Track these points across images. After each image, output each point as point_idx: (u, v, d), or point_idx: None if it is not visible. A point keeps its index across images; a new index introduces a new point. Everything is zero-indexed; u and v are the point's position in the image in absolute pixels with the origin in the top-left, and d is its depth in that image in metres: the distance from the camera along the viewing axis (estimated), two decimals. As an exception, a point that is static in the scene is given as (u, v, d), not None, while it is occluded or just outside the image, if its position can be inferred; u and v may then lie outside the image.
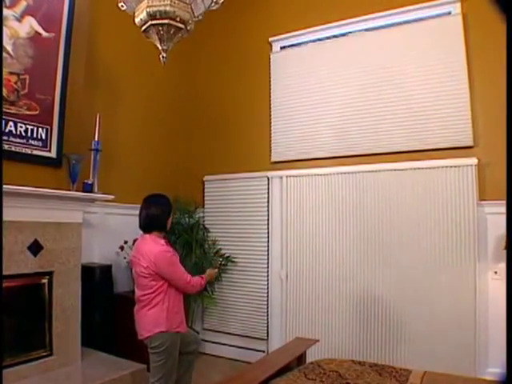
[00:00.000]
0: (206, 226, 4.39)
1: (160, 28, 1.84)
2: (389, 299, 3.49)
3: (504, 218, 2.97)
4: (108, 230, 3.74)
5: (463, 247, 3.23)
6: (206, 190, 4.52)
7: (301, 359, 2.64)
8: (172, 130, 4.64)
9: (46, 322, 2.94)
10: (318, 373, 2.30)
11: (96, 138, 3.15)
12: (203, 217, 4.44)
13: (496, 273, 3.14)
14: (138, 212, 4.02)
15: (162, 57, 1.90)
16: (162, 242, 2.54)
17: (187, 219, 4.23)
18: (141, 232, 2.67)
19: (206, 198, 4.50)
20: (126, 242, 3.75)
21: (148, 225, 2.59)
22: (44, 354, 2.91)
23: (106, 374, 2.91)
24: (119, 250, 3.74)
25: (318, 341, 2.83)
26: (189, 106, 4.80)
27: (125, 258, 3.76)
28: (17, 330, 2.83)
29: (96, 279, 3.40)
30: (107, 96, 3.79)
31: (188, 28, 1.89)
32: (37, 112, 2.90)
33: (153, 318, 2.46)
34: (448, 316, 3.23)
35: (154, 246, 2.47)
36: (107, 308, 3.49)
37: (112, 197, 3.19)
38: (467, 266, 3.20)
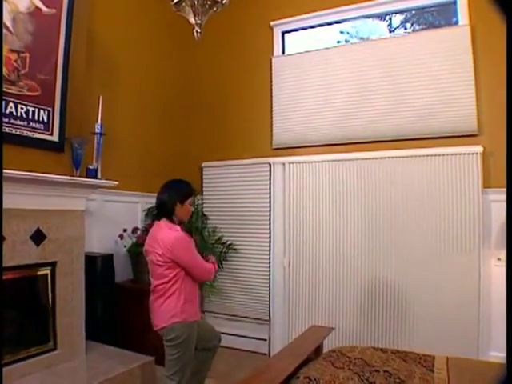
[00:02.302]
0: (205, 213, 4.28)
1: (195, 1, 1.69)
2: (392, 285, 3.51)
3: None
4: (107, 217, 3.57)
5: (467, 234, 3.27)
6: (204, 177, 4.40)
7: (318, 347, 2.61)
8: (170, 115, 4.47)
9: (50, 314, 2.78)
10: (343, 361, 2.27)
11: (99, 121, 2.97)
12: (202, 204, 4.31)
13: (499, 259, 3.19)
14: (137, 200, 3.92)
15: (196, 32, 1.76)
16: (178, 228, 2.40)
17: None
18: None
19: (204, 185, 4.39)
20: (125, 231, 3.60)
21: (158, 211, 2.49)
22: (48, 348, 2.75)
23: (113, 368, 2.79)
24: (118, 239, 3.58)
25: (333, 328, 2.80)
26: (187, 90, 4.63)
27: (125, 246, 3.61)
28: (19, 324, 2.66)
29: (97, 269, 3.24)
30: (105, 79, 3.59)
31: (224, 1, 1.75)
32: (38, 93, 2.69)
33: (169, 308, 2.35)
34: (452, 301, 3.28)
35: (170, 232, 2.33)
36: (108, 299, 3.34)
37: (116, 183, 3.03)
38: (471, 253, 3.25)
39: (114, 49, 3.68)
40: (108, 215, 3.58)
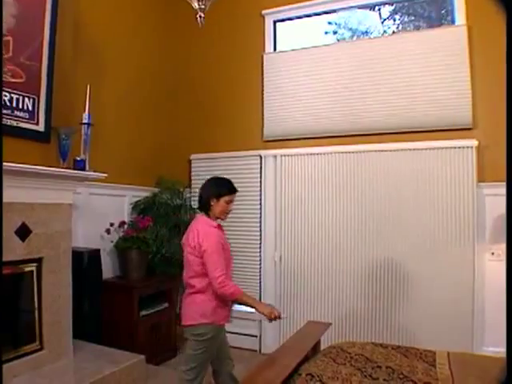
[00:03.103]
0: (194, 207, 4.22)
1: (200, -15, 1.65)
2: (385, 280, 3.55)
3: (502, 199, 3.07)
4: (92, 211, 3.49)
5: (462, 228, 3.34)
6: (192, 170, 4.35)
7: (316, 343, 2.62)
8: (158, 105, 4.41)
9: (36, 313, 2.70)
10: (344, 357, 2.28)
11: (87, 111, 2.88)
12: (190, 197, 4.26)
13: (493, 254, 3.27)
14: (123, 193, 3.85)
15: (200, 17, 1.71)
16: (214, 223, 2.44)
17: (176, 200, 4.04)
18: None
19: (192, 178, 4.34)
20: (112, 225, 3.53)
21: (198, 204, 2.54)
22: (34, 348, 2.68)
23: (103, 368, 2.74)
24: (105, 234, 3.51)
25: (330, 324, 2.82)
26: (176, 80, 4.56)
27: (112, 241, 3.54)
28: (3, 324, 2.57)
29: (84, 265, 3.16)
30: (92, 68, 3.50)
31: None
32: (22, 80, 2.59)
33: (199, 307, 2.34)
34: (446, 296, 3.34)
35: (204, 226, 2.37)
36: (95, 296, 3.27)
37: (105, 175, 2.96)
38: (466, 247, 3.31)
39: (100, 37, 3.58)
40: (94, 209, 3.50)
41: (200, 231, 2.33)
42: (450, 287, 3.33)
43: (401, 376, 2.01)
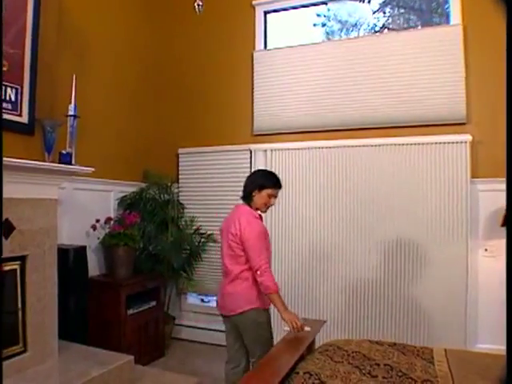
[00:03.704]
0: (182, 202, 4.20)
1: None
2: (379, 276, 3.58)
3: (496, 195, 3.13)
4: (77, 207, 3.43)
5: (455, 224, 3.38)
6: (180, 164, 4.31)
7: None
8: (144, 98, 4.36)
9: (19, 313, 2.64)
10: (341, 355, 2.30)
11: (73, 102, 2.81)
12: (177, 192, 4.22)
13: (486, 250, 3.32)
14: (109, 188, 3.79)
15: (198, 5, 1.69)
16: (256, 214, 2.54)
17: (163, 195, 4.00)
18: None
19: (180, 173, 4.30)
20: (97, 221, 3.48)
21: (242, 194, 2.61)
22: (18, 350, 2.61)
23: (90, 370, 2.68)
24: (90, 230, 3.45)
25: (325, 321, 2.83)
26: (162, 71, 4.51)
27: (98, 238, 3.48)
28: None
29: (69, 263, 3.11)
30: (76, 59, 3.43)
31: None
32: (5, 68, 2.51)
33: (243, 294, 2.42)
34: (439, 293, 3.39)
35: (247, 216, 2.46)
36: (81, 294, 3.22)
37: (92, 169, 2.90)
38: (459, 243, 3.36)
39: (85, 24, 3.52)
40: (78, 205, 3.44)
41: (242, 220, 2.41)
42: (443, 283, 3.38)
43: (399, 374, 2.03)
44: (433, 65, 3.49)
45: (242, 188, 3.98)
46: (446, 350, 2.36)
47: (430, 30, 3.63)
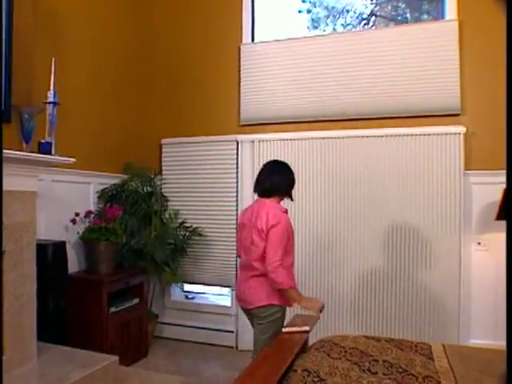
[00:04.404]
0: (165, 195, 4.13)
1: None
2: (371, 270, 3.61)
3: (489, 188, 3.18)
4: (55, 200, 3.33)
5: (448, 217, 3.43)
6: (163, 155, 4.25)
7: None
8: (126, 86, 4.25)
9: (-4, 314, 2.55)
10: (338, 351, 2.30)
11: (52, 89, 2.72)
12: (160, 185, 4.16)
13: (479, 244, 3.38)
14: (88, 180, 3.69)
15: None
16: (283, 208, 2.59)
17: (146, 187, 3.93)
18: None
19: (163, 164, 4.24)
20: (77, 215, 3.39)
21: (268, 190, 2.58)
22: (-7, 354, 2.53)
23: (72, 372, 2.62)
24: (70, 224, 3.36)
25: (318, 318, 2.83)
26: (144, 58, 4.41)
27: (78, 232, 3.40)
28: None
29: (48, 259, 3.02)
30: (53, 43, 3.32)
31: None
32: (-21, 51, 2.41)
33: (265, 289, 2.47)
34: (432, 287, 3.44)
35: (274, 211, 2.48)
36: (60, 292, 3.14)
37: (73, 160, 2.81)
38: (452, 237, 3.41)
39: (62, 10, 3.40)
40: (57, 197, 3.35)
41: (270, 215, 2.43)
42: (435, 277, 3.43)
43: (400, 370, 2.05)
44: (427, 57, 3.51)
45: (228, 180, 4.02)
46: (444, 346, 2.39)
47: (425, 24, 3.66)
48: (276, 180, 2.56)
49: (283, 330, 2.48)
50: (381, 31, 3.85)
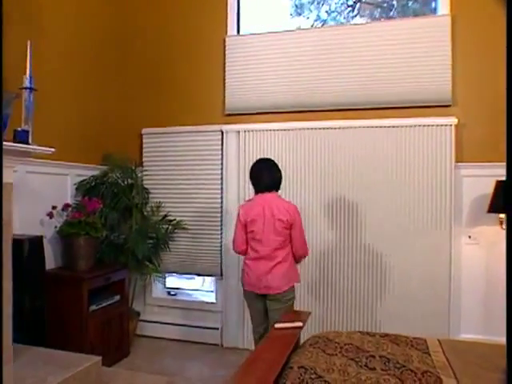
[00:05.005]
0: (146, 187, 4.05)
1: None
2: (361, 263, 3.63)
3: (480, 180, 3.22)
4: (30, 192, 3.22)
5: (438, 211, 3.46)
6: (144, 146, 4.16)
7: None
8: (105, 72, 4.16)
9: (-31, 314, 2.44)
10: (334, 347, 2.30)
11: (28, 73, 2.60)
12: (142, 177, 4.07)
13: (470, 237, 3.43)
14: (65, 172, 3.58)
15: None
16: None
17: (127, 179, 3.84)
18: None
19: (144, 155, 4.15)
20: (54, 208, 3.29)
21: (273, 185, 2.92)
22: (-33, 359, 2.43)
23: (53, 375, 2.55)
24: (46, 218, 3.26)
25: (310, 313, 2.83)
26: (125, 43, 4.31)
27: (55, 227, 3.30)
28: None
29: (24, 254, 2.92)
30: (27, 26, 3.19)
31: None
32: None
33: (287, 274, 2.84)
34: (422, 281, 3.48)
35: (288, 204, 2.89)
36: (37, 291, 3.04)
37: (52, 150, 2.70)
38: (442, 230, 3.45)
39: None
40: (32, 190, 3.24)
41: (288, 207, 2.84)
42: (425, 271, 3.47)
43: (397, 365, 2.06)
44: (419, 49, 3.53)
45: (213, 171, 3.97)
46: (439, 341, 2.42)
47: (418, 19, 3.67)
48: (278, 176, 2.93)
49: (276, 325, 2.47)
50: (373, 24, 3.84)
